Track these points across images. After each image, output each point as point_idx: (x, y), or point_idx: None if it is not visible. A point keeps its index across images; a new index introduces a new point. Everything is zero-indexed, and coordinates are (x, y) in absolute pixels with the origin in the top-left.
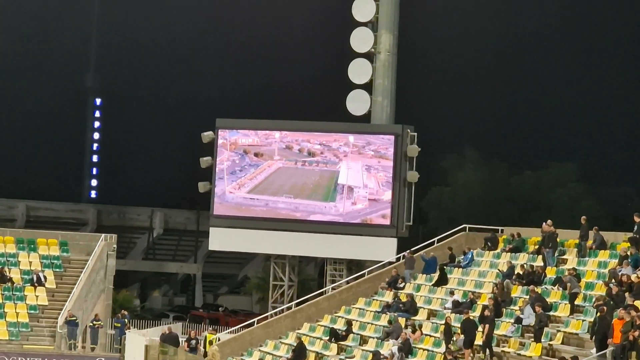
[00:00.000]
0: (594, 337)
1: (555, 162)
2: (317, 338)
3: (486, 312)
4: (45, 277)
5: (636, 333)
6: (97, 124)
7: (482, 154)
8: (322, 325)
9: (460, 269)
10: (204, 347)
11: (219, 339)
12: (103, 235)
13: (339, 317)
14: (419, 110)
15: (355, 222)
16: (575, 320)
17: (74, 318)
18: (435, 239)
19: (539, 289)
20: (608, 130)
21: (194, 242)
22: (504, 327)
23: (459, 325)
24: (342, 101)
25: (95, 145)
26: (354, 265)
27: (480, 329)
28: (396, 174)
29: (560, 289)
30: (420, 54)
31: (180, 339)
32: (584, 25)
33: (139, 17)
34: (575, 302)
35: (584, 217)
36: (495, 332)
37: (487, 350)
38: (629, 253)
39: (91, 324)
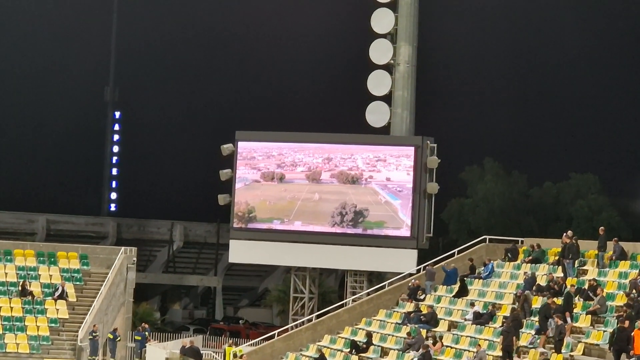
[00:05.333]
0: (612, 348)
1: (575, 174)
2: (338, 350)
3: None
4: (66, 291)
5: None
6: (116, 137)
7: (502, 165)
8: (342, 338)
9: (481, 280)
10: (224, 359)
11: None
12: (123, 248)
13: (360, 329)
14: (439, 122)
15: (375, 234)
16: (596, 331)
17: (97, 334)
18: (456, 250)
19: (559, 300)
20: (629, 141)
21: (214, 254)
22: (525, 338)
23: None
24: (362, 113)
25: (114, 159)
26: (375, 277)
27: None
28: (416, 185)
29: (581, 299)
30: (439, 65)
31: (202, 352)
32: (604, 38)
33: (157, 31)
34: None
35: (602, 227)
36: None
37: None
38: None
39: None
